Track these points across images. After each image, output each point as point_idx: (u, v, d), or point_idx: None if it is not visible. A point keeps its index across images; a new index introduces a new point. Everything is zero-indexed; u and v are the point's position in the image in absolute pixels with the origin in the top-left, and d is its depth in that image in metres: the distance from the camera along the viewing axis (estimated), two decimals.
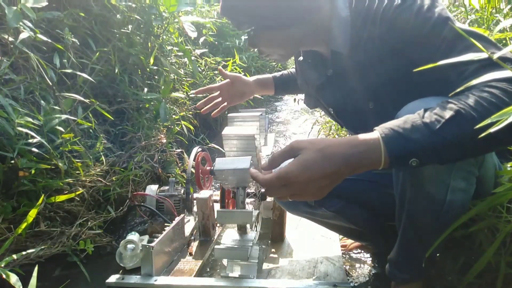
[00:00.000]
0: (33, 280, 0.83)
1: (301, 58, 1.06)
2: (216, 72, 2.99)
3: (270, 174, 0.65)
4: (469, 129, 0.54)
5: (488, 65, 0.63)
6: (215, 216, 1.04)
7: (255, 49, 0.93)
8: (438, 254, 0.90)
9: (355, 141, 0.61)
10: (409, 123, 0.60)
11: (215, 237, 1.35)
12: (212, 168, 1.47)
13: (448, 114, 0.58)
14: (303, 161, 0.61)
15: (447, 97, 0.62)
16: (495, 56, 0.49)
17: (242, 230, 1.07)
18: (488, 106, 0.57)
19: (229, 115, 1.18)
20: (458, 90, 0.55)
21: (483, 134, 0.45)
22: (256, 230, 1.25)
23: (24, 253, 1.04)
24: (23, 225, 1.09)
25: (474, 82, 0.49)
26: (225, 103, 1.31)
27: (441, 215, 0.75)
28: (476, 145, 0.58)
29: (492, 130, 0.43)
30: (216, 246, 1.02)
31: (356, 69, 0.90)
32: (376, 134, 0.61)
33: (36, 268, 0.87)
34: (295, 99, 3.92)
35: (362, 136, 0.61)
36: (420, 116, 0.60)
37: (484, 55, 0.48)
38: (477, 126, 0.48)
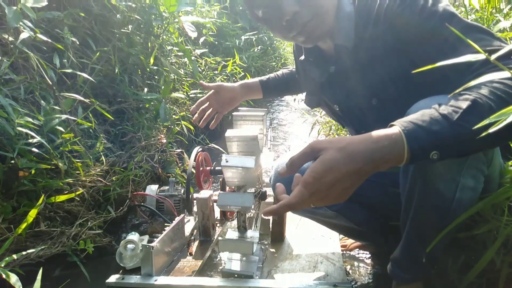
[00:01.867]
0: (37, 284, 0.83)
1: (302, 57, 1.06)
2: (216, 72, 2.99)
3: (296, 191, 0.61)
4: (487, 117, 0.52)
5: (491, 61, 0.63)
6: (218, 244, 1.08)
7: (288, 8, 0.84)
8: (440, 254, 0.90)
9: (376, 136, 0.60)
10: (427, 116, 0.59)
11: (215, 237, 1.35)
12: (212, 168, 1.47)
13: (465, 104, 0.58)
14: (327, 161, 0.59)
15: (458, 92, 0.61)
16: (492, 57, 0.48)
17: (242, 229, 1.08)
18: (502, 94, 0.58)
19: (233, 113, 1.21)
20: (462, 88, 0.55)
21: (504, 123, 0.44)
22: (256, 227, 1.25)
23: (24, 253, 1.04)
24: (23, 225, 1.09)
25: (474, 83, 0.49)
26: (217, 113, 1.33)
27: (449, 214, 0.74)
28: (495, 134, 0.57)
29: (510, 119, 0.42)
30: (220, 239, 1.02)
31: (359, 66, 0.90)
32: (396, 129, 0.60)
33: (40, 271, 0.86)
34: (295, 99, 3.91)
35: (383, 132, 0.60)
36: (436, 109, 0.60)
37: (481, 56, 0.47)
38: (493, 117, 0.46)
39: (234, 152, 1.04)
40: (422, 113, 0.61)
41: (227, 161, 0.97)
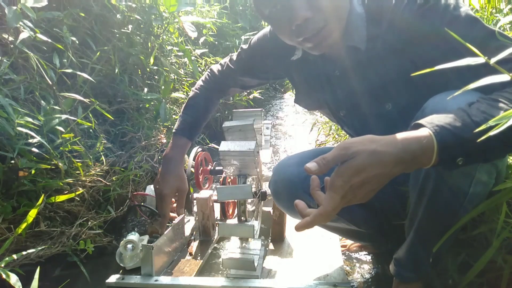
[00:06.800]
0: (35, 283, 0.83)
1: (296, 56, 0.99)
2: None
3: (327, 198, 0.61)
4: None
5: None
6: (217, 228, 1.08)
7: (299, 12, 0.77)
8: (445, 253, 0.89)
9: (407, 139, 0.59)
10: (459, 121, 0.58)
11: (215, 237, 1.35)
12: (212, 168, 1.47)
13: (497, 112, 0.57)
14: (356, 166, 0.58)
15: (478, 93, 0.62)
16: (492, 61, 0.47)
17: (245, 240, 1.08)
18: None
19: (233, 110, 1.22)
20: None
21: None
22: (258, 233, 1.24)
23: (24, 253, 1.04)
24: (23, 225, 1.09)
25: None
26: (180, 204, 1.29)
27: (461, 208, 0.74)
28: None
29: None
30: (224, 257, 1.02)
31: (372, 69, 0.87)
32: (426, 131, 0.58)
33: (37, 270, 0.85)
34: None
35: (413, 134, 0.59)
36: (467, 113, 0.58)
37: (481, 59, 0.46)
38: None
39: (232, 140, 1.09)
40: (454, 115, 0.59)
41: (227, 126, 1.06)
